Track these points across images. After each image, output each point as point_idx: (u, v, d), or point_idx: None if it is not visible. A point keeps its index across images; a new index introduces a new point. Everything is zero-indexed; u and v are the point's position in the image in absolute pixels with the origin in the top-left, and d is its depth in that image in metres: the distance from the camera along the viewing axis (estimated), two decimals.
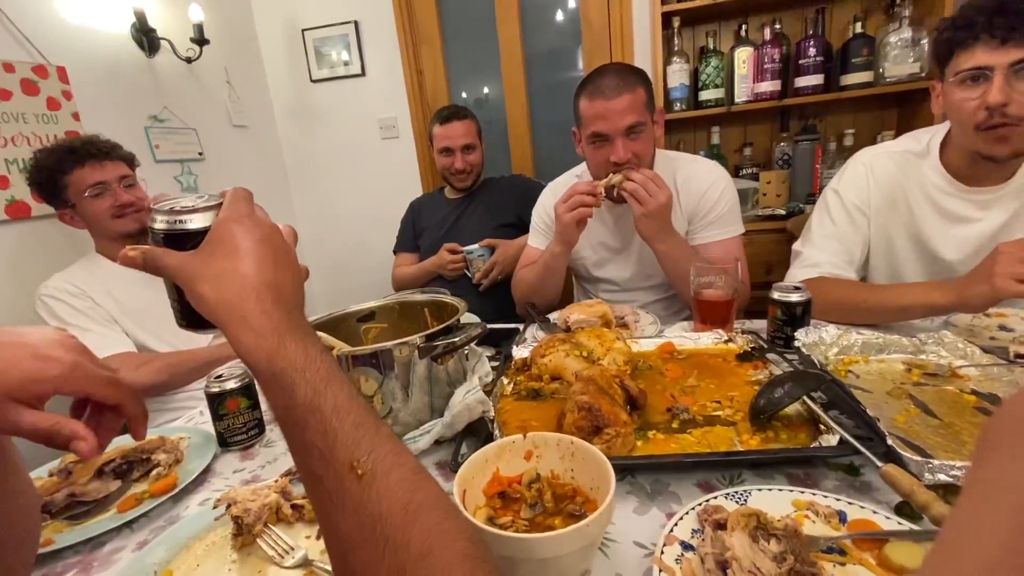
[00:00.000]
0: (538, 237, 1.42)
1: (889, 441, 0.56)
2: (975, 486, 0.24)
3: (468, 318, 0.90)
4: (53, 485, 0.67)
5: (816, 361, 0.78)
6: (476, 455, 0.55)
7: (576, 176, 1.42)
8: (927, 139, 1.06)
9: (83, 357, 0.39)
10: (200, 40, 2.07)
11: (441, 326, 0.75)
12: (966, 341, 0.80)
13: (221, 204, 0.42)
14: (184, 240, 0.40)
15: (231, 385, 0.79)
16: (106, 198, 1.25)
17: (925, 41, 1.77)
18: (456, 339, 0.72)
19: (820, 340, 0.86)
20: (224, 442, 0.79)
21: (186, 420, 0.95)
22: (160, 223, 0.41)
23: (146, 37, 1.92)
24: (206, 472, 0.73)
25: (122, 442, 0.78)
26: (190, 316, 0.41)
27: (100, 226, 1.28)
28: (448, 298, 0.89)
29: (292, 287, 0.40)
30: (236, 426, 0.79)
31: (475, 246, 1.68)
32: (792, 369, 0.77)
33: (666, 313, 1.35)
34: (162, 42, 1.99)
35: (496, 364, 0.91)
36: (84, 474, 0.68)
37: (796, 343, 0.84)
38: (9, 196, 1.49)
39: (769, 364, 0.81)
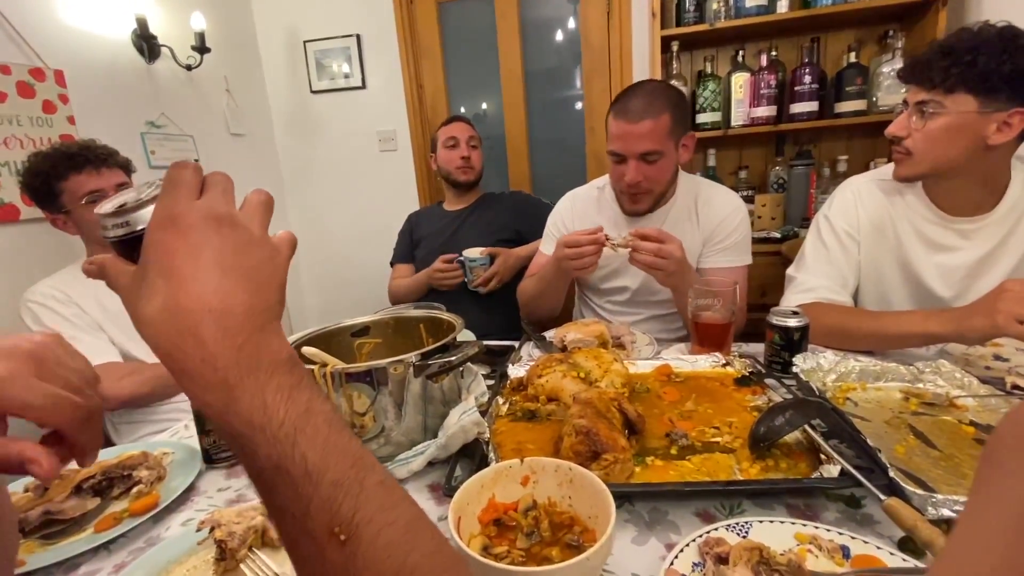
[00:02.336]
0: (550, 245, 1.41)
1: (891, 473, 0.55)
2: (976, 502, 0.24)
3: (465, 335, 0.89)
4: (28, 502, 0.64)
5: (814, 388, 0.78)
6: (472, 480, 0.53)
7: (598, 188, 1.40)
8: None
9: (25, 366, 0.31)
10: (201, 48, 2.07)
11: (437, 344, 0.73)
12: (963, 371, 0.80)
13: None
14: (137, 246, 0.32)
15: None
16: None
17: None
18: (453, 358, 0.71)
19: (818, 366, 0.85)
20: (209, 458, 0.77)
21: (171, 434, 0.92)
22: (109, 229, 0.33)
23: (147, 43, 1.92)
24: (189, 490, 0.71)
25: (102, 457, 0.75)
26: None
27: (95, 233, 1.26)
28: (445, 314, 0.87)
29: (248, 303, 0.31)
30: (222, 442, 0.77)
31: (476, 252, 1.67)
32: (791, 395, 0.77)
33: (673, 326, 1.36)
34: (163, 49, 1.99)
35: (492, 383, 0.90)
36: (61, 491, 0.65)
37: (794, 369, 0.84)
38: None
39: (767, 389, 0.80)
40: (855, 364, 0.85)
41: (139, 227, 0.32)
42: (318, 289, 2.84)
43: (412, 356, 0.70)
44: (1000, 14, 1.66)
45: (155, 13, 1.98)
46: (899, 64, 1.79)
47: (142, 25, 1.88)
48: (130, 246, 0.32)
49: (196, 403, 0.30)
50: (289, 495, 0.28)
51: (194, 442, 0.80)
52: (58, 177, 1.19)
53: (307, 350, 0.70)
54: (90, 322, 1.22)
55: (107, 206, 0.33)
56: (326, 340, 0.83)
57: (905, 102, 0.98)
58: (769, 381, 0.82)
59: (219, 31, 2.27)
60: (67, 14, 1.69)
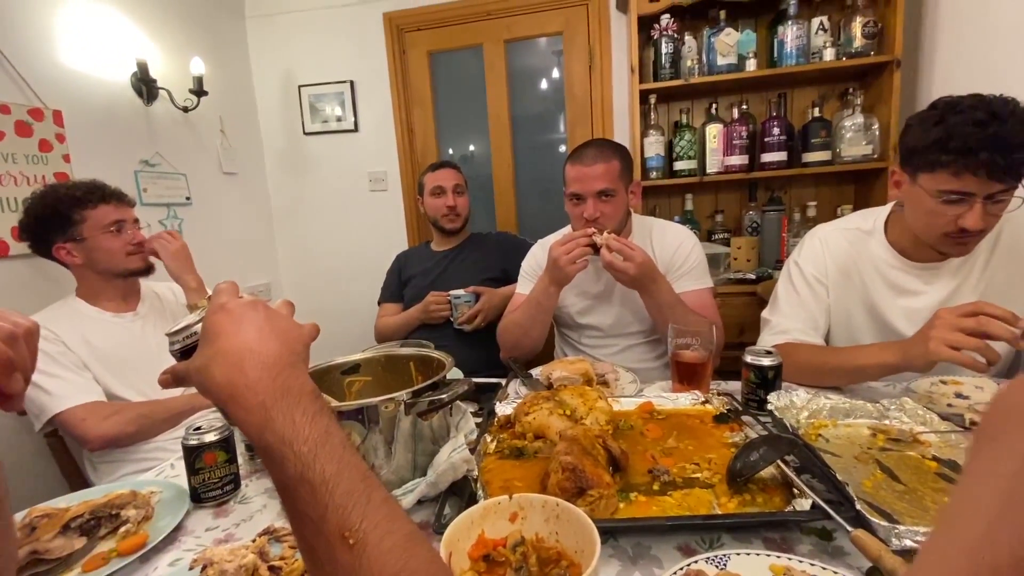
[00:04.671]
0: (527, 285, 1.47)
1: (858, 506, 0.59)
2: (968, 475, 0.26)
3: (454, 374, 0.91)
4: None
5: (788, 425, 0.82)
6: (462, 517, 0.55)
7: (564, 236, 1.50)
8: (873, 219, 1.17)
9: None
10: (199, 91, 2.13)
11: (427, 382, 0.76)
12: (925, 408, 0.85)
13: None
14: (192, 353, 0.44)
15: (210, 438, 0.78)
16: (123, 235, 1.31)
17: (876, 127, 1.95)
18: (443, 396, 0.73)
19: (791, 404, 0.90)
20: (197, 497, 0.77)
21: (156, 473, 0.92)
22: (175, 344, 0.46)
23: (146, 86, 1.98)
24: (177, 529, 0.70)
25: (89, 496, 0.75)
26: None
27: (109, 262, 1.30)
28: (434, 353, 0.90)
29: (279, 349, 0.40)
30: (212, 481, 0.77)
31: (461, 291, 1.72)
32: (766, 432, 0.80)
33: (651, 355, 1.42)
34: (161, 91, 2.05)
35: (479, 420, 0.92)
36: (48, 530, 0.64)
37: (769, 406, 0.88)
38: None
39: (744, 426, 0.84)
40: (826, 402, 0.90)
41: (196, 338, 0.44)
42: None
43: (403, 394, 0.72)
44: (949, 76, 1.81)
45: (156, 57, 2.05)
46: (859, 119, 1.95)
47: (143, 69, 1.95)
48: (189, 353, 0.44)
49: (240, 424, 0.37)
50: (309, 502, 0.34)
51: (181, 481, 0.80)
52: (85, 206, 1.26)
53: None
54: (75, 360, 1.21)
55: (175, 328, 0.46)
56: (317, 378, 0.85)
57: (967, 194, 0.92)
58: (746, 418, 0.86)
59: (217, 75, 2.35)
60: (70, 57, 1.75)
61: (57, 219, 1.25)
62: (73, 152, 1.70)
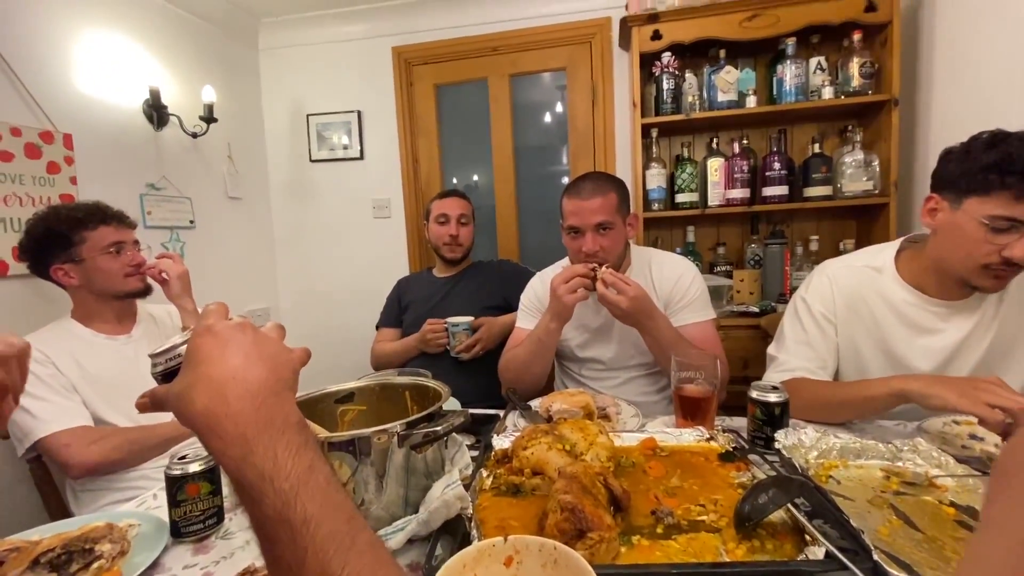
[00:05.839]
0: (527, 319, 1.46)
1: (875, 556, 0.55)
2: (984, 525, 0.25)
3: (451, 404, 0.89)
4: None
5: (797, 465, 0.78)
6: (453, 560, 0.52)
7: (563, 267, 1.48)
8: (882, 257, 1.14)
9: None
10: (209, 118, 2.17)
11: (422, 413, 0.73)
12: (940, 450, 0.82)
13: None
14: (173, 376, 0.42)
15: (194, 468, 0.74)
16: (123, 256, 1.31)
17: (876, 163, 1.97)
18: (439, 428, 0.70)
19: (800, 442, 0.86)
20: (178, 531, 0.73)
21: (138, 504, 0.88)
22: (157, 366, 0.44)
23: (157, 112, 2.02)
24: (153, 567, 0.67)
25: (63, 529, 0.71)
26: None
27: (106, 282, 1.29)
28: (431, 382, 0.88)
29: (264, 376, 0.38)
30: (194, 514, 0.74)
31: (460, 319, 1.70)
32: (775, 473, 0.77)
33: (653, 388, 1.40)
34: (171, 117, 2.08)
35: (476, 453, 0.89)
36: (16, 565, 0.61)
37: (776, 445, 0.85)
38: None
39: (751, 466, 0.80)
40: (835, 441, 0.86)
41: (180, 360, 0.42)
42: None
43: (396, 425, 0.69)
44: (946, 115, 1.84)
45: (168, 85, 2.10)
46: (859, 155, 1.97)
47: (155, 95, 1.99)
48: (171, 377, 0.42)
49: (218, 457, 0.35)
50: (287, 544, 0.32)
51: (162, 513, 0.77)
52: (85, 227, 1.26)
53: None
54: (65, 384, 1.19)
55: (158, 350, 0.44)
56: (310, 406, 0.82)
57: (1011, 219, 0.89)
58: (752, 457, 0.82)
59: (227, 103, 2.40)
60: (84, 83, 1.79)
61: (57, 239, 1.25)
62: (80, 175, 1.72)
